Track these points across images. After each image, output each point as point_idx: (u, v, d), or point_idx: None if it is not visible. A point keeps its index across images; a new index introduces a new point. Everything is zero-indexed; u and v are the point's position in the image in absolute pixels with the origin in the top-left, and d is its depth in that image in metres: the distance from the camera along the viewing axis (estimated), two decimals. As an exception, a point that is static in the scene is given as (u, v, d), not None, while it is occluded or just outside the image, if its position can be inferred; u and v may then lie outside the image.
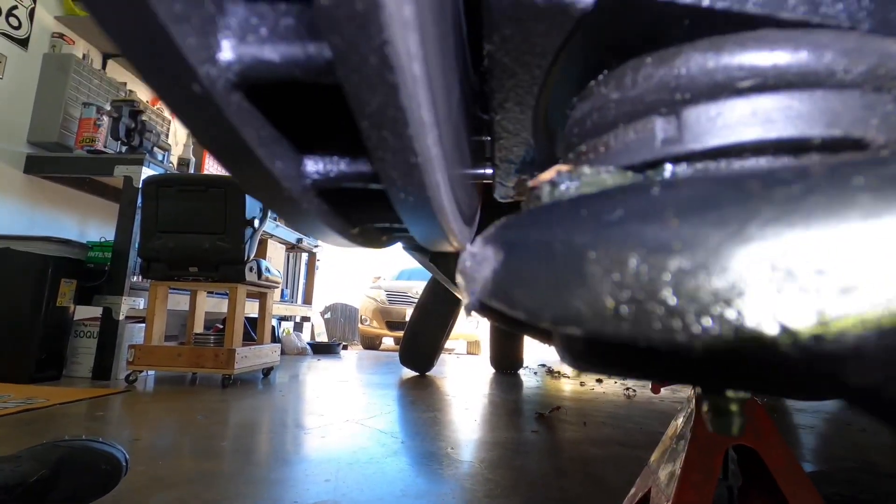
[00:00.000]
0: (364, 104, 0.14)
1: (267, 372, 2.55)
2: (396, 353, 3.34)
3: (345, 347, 5.13)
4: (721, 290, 0.12)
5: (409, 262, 5.98)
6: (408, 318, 3.43)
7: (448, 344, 5.56)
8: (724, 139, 0.16)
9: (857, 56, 0.15)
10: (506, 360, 3.29)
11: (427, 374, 3.03)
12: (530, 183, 0.18)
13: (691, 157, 0.17)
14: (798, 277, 0.11)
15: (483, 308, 0.17)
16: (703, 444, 0.71)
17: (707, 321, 0.12)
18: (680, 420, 0.79)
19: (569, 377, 3.20)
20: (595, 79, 0.20)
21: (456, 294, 2.12)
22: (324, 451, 1.24)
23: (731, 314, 0.12)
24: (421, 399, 2.12)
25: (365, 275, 7.12)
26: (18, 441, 1.18)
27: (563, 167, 0.19)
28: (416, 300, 3.40)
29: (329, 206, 0.22)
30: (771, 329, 0.12)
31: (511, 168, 0.27)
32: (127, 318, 2.28)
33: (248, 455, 1.18)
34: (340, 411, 1.75)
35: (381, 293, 5.56)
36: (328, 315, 6.46)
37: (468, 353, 5.83)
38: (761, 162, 0.16)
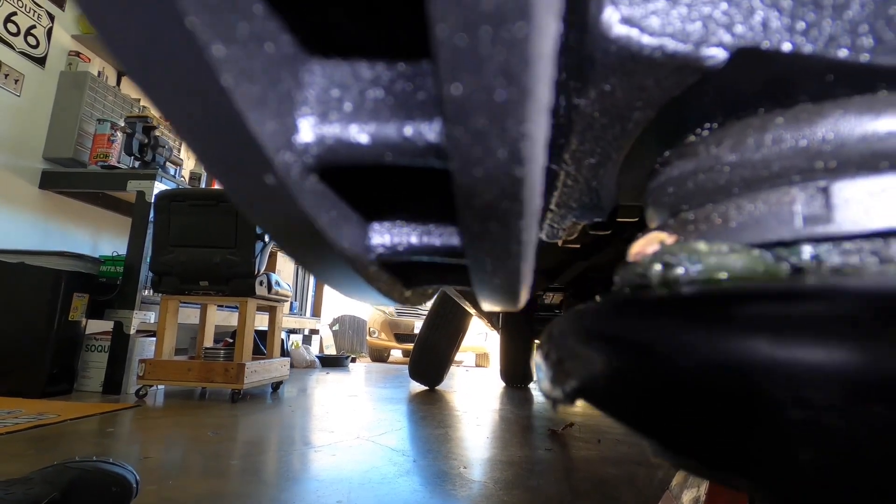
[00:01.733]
0: (475, 196, 0.12)
1: (276, 386, 2.54)
2: (405, 366, 3.32)
3: (353, 360, 5.11)
4: None
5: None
6: (416, 331, 3.42)
7: (457, 356, 5.53)
8: (889, 222, 0.13)
9: None
10: (516, 374, 3.25)
11: (437, 388, 3.00)
12: (631, 256, 0.16)
13: (841, 240, 0.14)
14: None
15: (571, 399, 0.15)
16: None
17: None
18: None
19: (580, 391, 3.15)
20: (696, 133, 0.17)
21: (466, 308, 2.09)
22: (335, 470, 1.22)
23: None
24: (431, 415, 2.09)
25: (373, 287, 7.11)
26: (30, 458, 1.17)
27: (666, 237, 0.16)
28: (425, 312, 3.38)
29: (390, 276, 0.20)
30: None
31: (569, 213, 0.25)
32: (138, 331, 2.29)
33: (257, 474, 1.16)
34: (350, 427, 1.73)
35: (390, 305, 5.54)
36: (336, 327, 6.45)
37: (477, 365, 5.78)
38: None
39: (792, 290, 0.11)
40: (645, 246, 0.16)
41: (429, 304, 3.37)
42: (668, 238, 0.16)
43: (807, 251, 0.15)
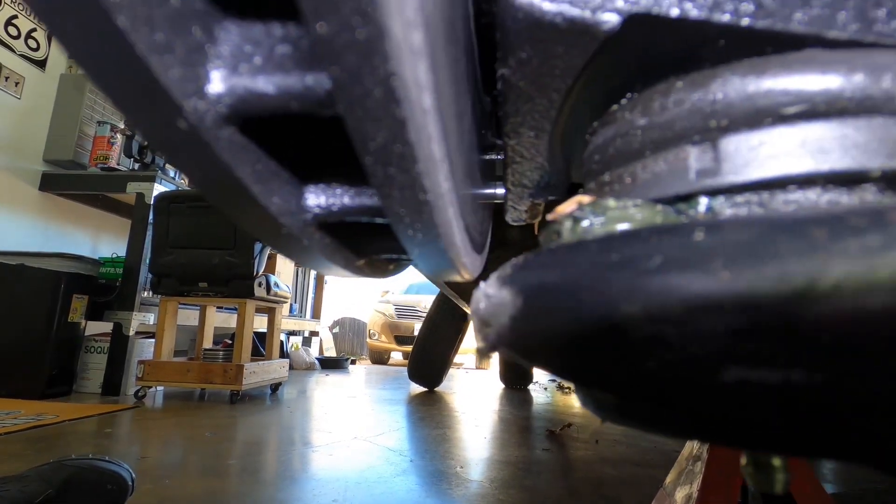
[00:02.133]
0: (368, 140, 0.13)
1: (275, 387, 2.54)
2: (405, 368, 3.32)
3: (353, 362, 5.11)
4: (781, 356, 0.10)
5: (418, 276, 5.97)
6: (416, 333, 3.42)
7: (457, 359, 5.52)
8: (770, 171, 0.15)
9: None
10: (515, 376, 3.26)
11: (436, 389, 3.00)
12: (550, 217, 0.17)
13: (731, 191, 0.15)
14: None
15: (497, 350, 0.16)
16: (721, 465, 0.69)
17: (766, 389, 0.11)
18: (696, 441, 0.77)
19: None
20: (618, 103, 0.18)
21: (465, 309, 2.10)
22: (332, 470, 1.22)
23: (792, 378, 0.11)
24: (430, 415, 2.09)
25: (373, 289, 7.11)
26: (28, 458, 1.18)
27: (584, 198, 0.17)
28: (424, 314, 3.38)
29: (332, 239, 0.21)
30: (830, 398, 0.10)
31: (524, 192, 0.26)
32: (137, 333, 2.29)
33: (255, 474, 1.16)
34: (348, 428, 1.73)
35: (390, 307, 5.54)
36: (336, 329, 6.45)
37: (477, 367, 5.77)
38: (809, 196, 0.15)
39: (652, 233, 0.12)
40: (565, 207, 0.16)
41: (428, 305, 3.36)
42: (586, 199, 0.16)
43: (703, 203, 0.16)
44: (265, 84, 0.14)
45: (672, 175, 0.16)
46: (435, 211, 0.16)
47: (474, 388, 3.21)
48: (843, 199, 0.15)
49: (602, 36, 0.15)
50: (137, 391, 2.13)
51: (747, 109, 0.15)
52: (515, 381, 3.26)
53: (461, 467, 1.30)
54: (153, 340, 2.30)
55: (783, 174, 0.14)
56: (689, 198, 0.16)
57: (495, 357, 4.34)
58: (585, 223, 0.16)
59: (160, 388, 2.38)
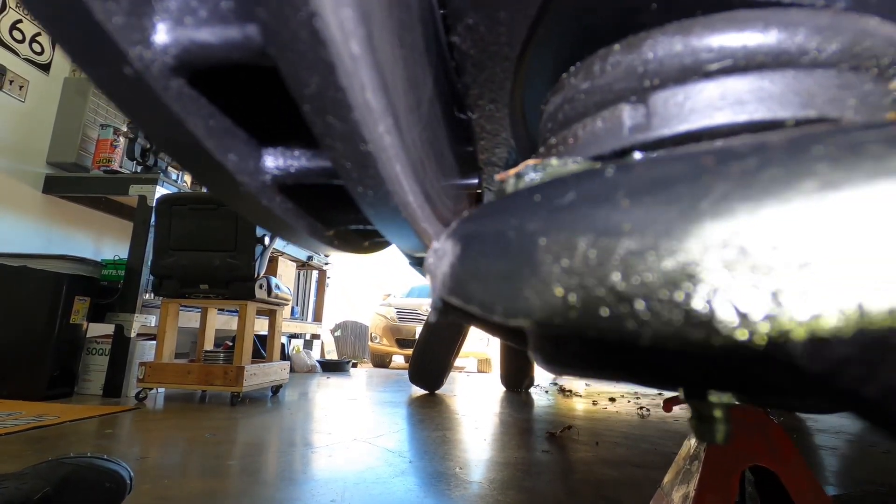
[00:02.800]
0: (302, 85, 0.13)
1: (276, 389, 2.54)
2: (406, 371, 3.32)
3: (354, 365, 5.10)
4: (671, 272, 0.11)
5: (420, 279, 5.97)
6: (418, 336, 3.42)
7: (458, 362, 5.51)
8: (693, 123, 0.16)
9: (831, 34, 0.15)
10: (516, 379, 3.25)
11: (437, 392, 2.99)
12: (497, 177, 0.17)
13: (661, 144, 0.16)
14: (753, 257, 0.10)
15: (446, 305, 0.17)
16: (718, 465, 0.69)
17: (656, 306, 0.11)
18: (693, 440, 0.77)
19: (581, 396, 3.14)
20: (567, 71, 0.19)
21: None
22: (330, 471, 1.22)
23: (680, 297, 0.11)
24: (430, 418, 2.09)
25: (375, 292, 7.11)
26: (28, 458, 1.18)
27: (531, 161, 0.18)
28: (425, 318, 3.38)
29: (295, 204, 0.22)
30: (725, 315, 0.11)
31: (495, 171, 0.27)
32: (138, 335, 2.30)
33: (254, 474, 1.16)
34: (348, 430, 1.73)
35: (392, 310, 5.54)
36: (338, 333, 6.45)
37: (479, 371, 5.76)
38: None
39: (572, 177, 0.13)
40: (514, 170, 0.17)
41: (429, 308, 3.37)
42: (532, 161, 0.17)
43: (638, 158, 0.16)
44: (208, 35, 0.15)
45: (608, 132, 0.17)
46: (379, 163, 0.16)
47: (475, 391, 3.21)
48: None
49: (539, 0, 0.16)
50: (138, 393, 2.13)
51: (675, 67, 0.15)
52: (517, 383, 3.25)
53: (460, 468, 1.30)
54: (154, 342, 2.31)
55: (706, 126, 0.15)
56: (624, 153, 0.17)
57: (497, 360, 4.33)
58: (527, 179, 0.17)
59: (161, 389, 2.38)
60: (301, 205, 0.21)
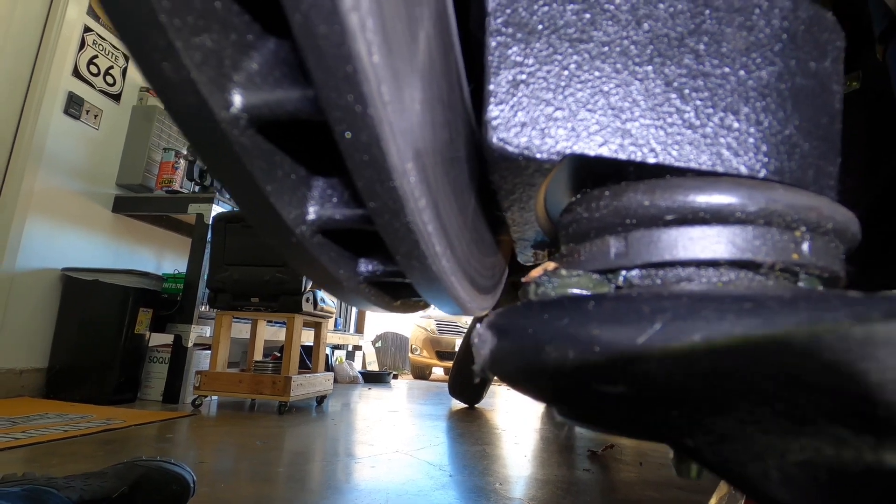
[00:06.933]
0: (394, 245, 0.19)
1: (320, 400, 2.63)
2: (446, 384, 3.34)
3: (395, 377, 5.17)
4: (616, 375, 0.17)
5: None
6: (457, 349, 3.43)
7: (498, 375, 5.47)
8: (658, 257, 0.21)
9: (749, 199, 0.20)
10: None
11: (476, 405, 3.00)
12: (523, 279, 0.22)
13: (637, 267, 0.22)
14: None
15: (485, 374, 0.22)
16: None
17: (612, 392, 0.17)
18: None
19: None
20: (576, 197, 0.25)
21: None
22: (373, 482, 1.26)
23: (627, 392, 0.17)
24: (470, 432, 2.11)
25: (415, 304, 7.18)
26: (99, 459, 1.29)
27: (549, 266, 0.23)
28: (465, 330, 3.40)
29: (377, 291, 0.27)
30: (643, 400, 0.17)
31: (527, 244, 0.32)
32: (195, 345, 2.44)
33: (301, 482, 1.22)
34: (390, 441, 1.77)
35: (432, 323, 5.59)
36: (379, 344, 6.56)
37: (519, 385, 5.70)
38: (689, 271, 0.21)
39: (569, 301, 0.18)
40: (534, 273, 0.21)
41: (469, 321, 3.38)
42: (551, 266, 0.21)
43: (622, 275, 0.22)
44: (340, 213, 0.21)
45: (601, 255, 0.23)
46: (443, 279, 0.22)
47: (516, 406, 3.19)
48: (704, 276, 0.22)
49: (547, 166, 0.22)
50: (195, 400, 2.26)
51: (644, 215, 0.21)
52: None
53: (500, 484, 1.31)
54: (209, 352, 2.45)
55: (666, 259, 0.21)
56: (613, 271, 0.22)
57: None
58: (543, 287, 0.23)
59: (214, 397, 2.51)
60: (380, 290, 0.27)
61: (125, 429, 1.70)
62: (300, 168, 0.20)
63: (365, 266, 0.26)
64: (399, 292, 0.31)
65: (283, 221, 0.19)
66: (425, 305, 0.35)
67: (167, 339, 2.44)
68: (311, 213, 0.20)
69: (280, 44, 0.16)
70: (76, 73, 2.52)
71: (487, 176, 0.25)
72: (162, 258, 3.09)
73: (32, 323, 2.27)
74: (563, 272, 0.22)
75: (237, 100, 0.15)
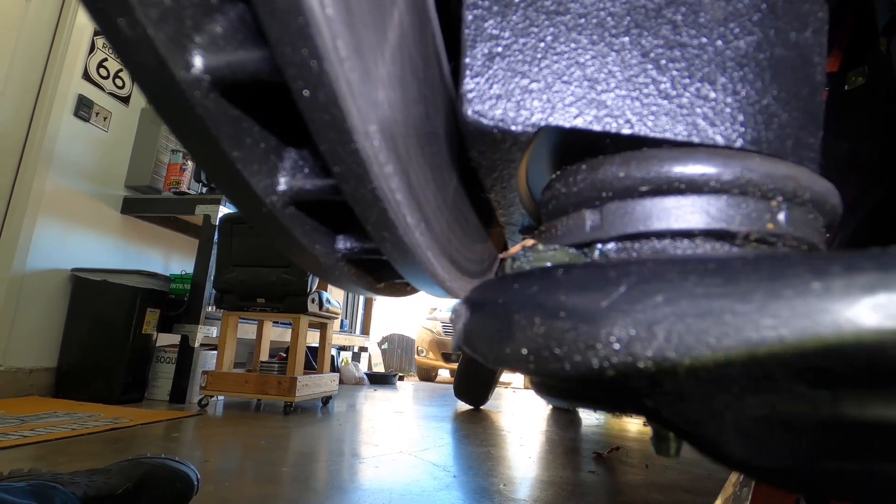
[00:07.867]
0: (364, 216, 0.19)
1: (326, 400, 2.63)
2: (451, 386, 3.33)
3: (401, 378, 5.17)
4: (583, 342, 0.17)
5: (465, 293, 5.98)
6: (463, 350, 3.43)
7: (504, 377, 5.47)
8: (633, 229, 0.21)
9: (724, 168, 0.20)
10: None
11: (482, 407, 2.99)
12: (502, 255, 0.22)
13: (612, 240, 0.22)
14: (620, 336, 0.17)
15: (461, 350, 0.21)
16: (769, 491, 0.67)
17: (578, 359, 0.17)
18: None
19: (633, 416, 3.04)
20: (555, 173, 0.25)
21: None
22: (377, 482, 1.26)
23: (592, 357, 0.17)
24: (475, 433, 2.10)
25: (421, 306, 7.19)
26: (106, 457, 1.30)
27: (528, 242, 0.23)
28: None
29: (357, 269, 0.27)
30: (608, 363, 0.16)
31: (514, 229, 0.32)
32: (201, 345, 2.46)
33: (305, 482, 1.22)
34: (395, 442, 1.77)
35: (438, 324, 5.59)
36: (385, 346, 6.56)
37: (526, 387, 5.69)
38: (664, 243, 0.21)
39: (539, 272, 0.19)
40: (515, 248, 0.21)
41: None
42: (529, 242, 0.21)
43: (597, 248, 0.22)
44: (312, 183, 0.21)
45: (577, 229, 0.23)
46: (417, 253, 0.22)
47: (521, 408, 3.18)
48: (680, 246, 0.22)
49: (525, 139, 0.22)
50: (201, 399, 2.27)
51: (619, 187, 0.21)
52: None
53: (504, 485, 1.31)
54: (216, 352, 2.46)
55: (641, 230, 0.21)
56: (589, 244, 0.22)
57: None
58: (519, 261, 0.22)
59: (221, 397, 2.53)
60: (362, 269, 0.27)
61: (132, 428, 1.71)
62: (271, 138, 0.20)
63: (343, 243, 0.26)
64: (381, 273, 0.31)
65: (252, 190, 0.18)
66: (412, 290, 0.35)
67: (174, 339, 2.45)
68: (282, 183, 0.20)
69: (247, 9, 0.16)
70: (86, 75, 2.55)
71: (468, 155, 0.24)
72: (169, 259, 3.12)
73: (42, 323, 2.29)
74: (540, 247, 0.22)
75: (198, 61, 0.15)
